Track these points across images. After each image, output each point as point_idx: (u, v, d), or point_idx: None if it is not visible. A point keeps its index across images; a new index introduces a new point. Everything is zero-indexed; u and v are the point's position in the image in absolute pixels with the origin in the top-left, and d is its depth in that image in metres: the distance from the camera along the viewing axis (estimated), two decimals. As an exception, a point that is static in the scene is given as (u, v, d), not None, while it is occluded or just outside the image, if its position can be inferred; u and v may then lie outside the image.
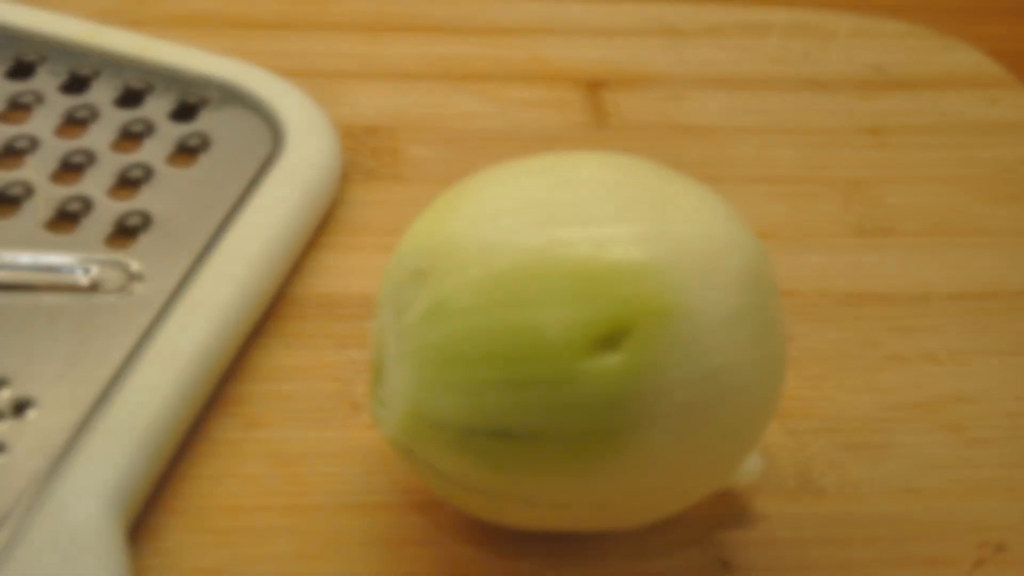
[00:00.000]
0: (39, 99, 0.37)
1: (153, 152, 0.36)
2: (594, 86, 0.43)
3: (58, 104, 0.37)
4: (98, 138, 0.36)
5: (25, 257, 0.32)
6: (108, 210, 0.34)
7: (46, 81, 0.38)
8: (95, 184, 0.35)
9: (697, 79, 0.43)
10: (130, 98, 0.38)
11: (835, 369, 0.34)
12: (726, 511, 0.30)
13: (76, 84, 0.38)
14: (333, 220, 0.36)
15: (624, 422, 0.26)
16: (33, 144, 0.36)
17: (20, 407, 0.29)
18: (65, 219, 0.34)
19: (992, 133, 0.42)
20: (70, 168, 0.35)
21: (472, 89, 0.42)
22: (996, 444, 0.32)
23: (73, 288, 0.32)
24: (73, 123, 0.37)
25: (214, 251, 0.33)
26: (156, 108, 0.37)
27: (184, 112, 0.37)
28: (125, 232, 0.33)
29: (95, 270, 0.32)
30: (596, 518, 0.27)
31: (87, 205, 0.34)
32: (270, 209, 0.34)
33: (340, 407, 0.31)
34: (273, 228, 0.34)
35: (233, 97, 0.38)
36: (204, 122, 0.37)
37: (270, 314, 0.33)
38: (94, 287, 0.32)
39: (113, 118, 0.37)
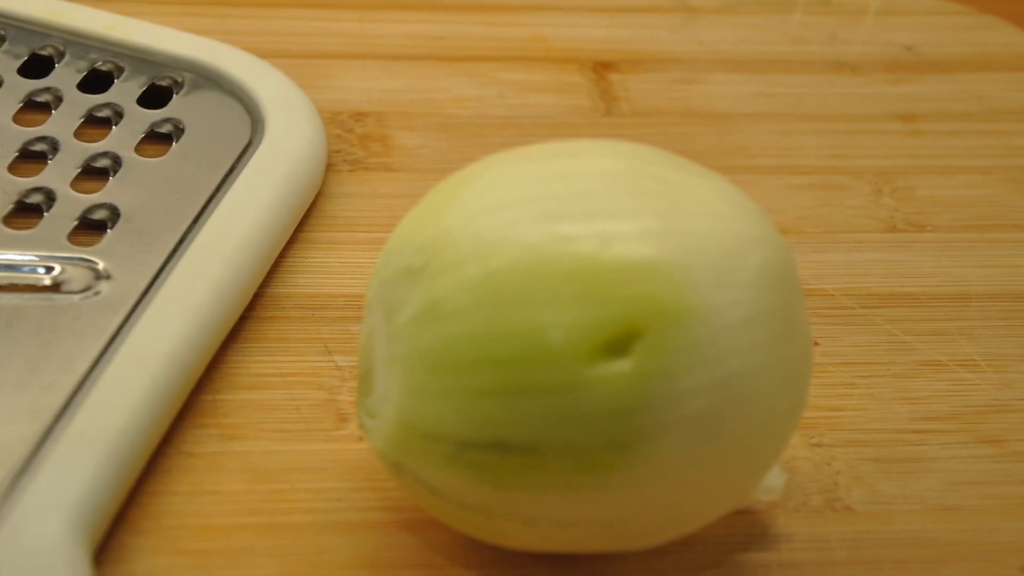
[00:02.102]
0: (-3, 82, 0.37)
1: (121, 140, 0.36)
2: (601, 68, 0.43)
3: (17, 88, 0.37)
4: (61, 124, 0.36)
5: (-19, 254, 0.32)
6: (72, 203, 0.34)
7: (4, 63, 0.38)
8: (58, 175, 0.35)
9: (713, 60, 0.43)
10: (96, 81, 0.38)
11: (864, 376, 0.34)
12: (745, 531, 0.30)
13: (37, 66, 0.38)
14: (317, 214, 0.36)
15: (633, 433, 0.26)
16: (-10, 131, 0.36)
17: (-24, 417, 0.29)
18: (25, 213, 0.34)
19: (1034, 119, 0.42)
20: (30, 157, 0.35)
21: (468, 72, 0.42)
22: (1039, 458, 0.32)
23: (34, 288, 0.32)
24: (34, 108, 0.37)
25: (187, 248, 0.33)
26: (124, 92, 0.37)
27: (155, 96, 0.37)
28: (91, 227, 0.33)
29: (58, 268, 0.32)
30: (603, 538, 0.27)
31: (49, 198, 0.34)
32: (248, 202, 0.34)
33: (325, 418, 0.31)
34: (252, 222, 0.34)
35: (208, 80, 0.38)
36: (177, 107, 0.37)
37: (248, 316, 0.33)
38: (57, 287, 0.32)
39: (77, 103, 0.37)
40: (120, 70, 0.38)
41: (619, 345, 0.26)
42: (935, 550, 0.30)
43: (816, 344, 0.32)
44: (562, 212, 0.28)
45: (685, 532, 0.28)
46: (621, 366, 0.26)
